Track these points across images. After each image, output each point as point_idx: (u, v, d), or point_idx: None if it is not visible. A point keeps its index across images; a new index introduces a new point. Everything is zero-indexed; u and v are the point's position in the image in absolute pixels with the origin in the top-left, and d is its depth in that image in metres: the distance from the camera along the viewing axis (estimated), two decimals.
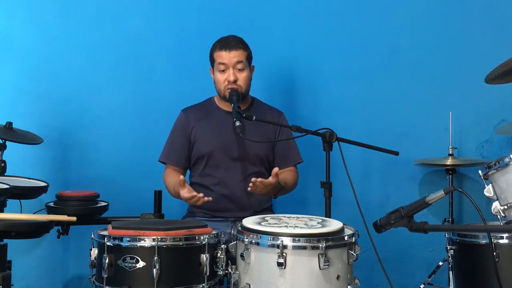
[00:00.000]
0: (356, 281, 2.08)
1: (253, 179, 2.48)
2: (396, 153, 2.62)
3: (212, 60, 2.80)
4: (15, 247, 2.40)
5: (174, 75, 3.37)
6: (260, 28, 3.33)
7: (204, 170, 2.82)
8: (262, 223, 2.11)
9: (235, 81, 2.72)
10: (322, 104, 3.36)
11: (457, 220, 3.14)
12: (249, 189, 2.53)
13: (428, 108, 3.30)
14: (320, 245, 1.93)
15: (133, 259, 2.03)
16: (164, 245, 2.04)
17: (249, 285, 2.00)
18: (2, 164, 2.70)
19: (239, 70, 2.73)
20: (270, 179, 2.50)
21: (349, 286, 2.01)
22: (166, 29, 3.38)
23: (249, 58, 2.79)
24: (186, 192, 2.50)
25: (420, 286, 2.67)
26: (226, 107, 2.82)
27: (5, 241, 2.28)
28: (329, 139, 2.44)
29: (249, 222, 2.14)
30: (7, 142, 2.75)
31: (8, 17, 3.33)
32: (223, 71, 2.74)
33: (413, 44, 3.34)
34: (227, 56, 2.72)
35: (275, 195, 2.71)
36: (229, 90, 2.71)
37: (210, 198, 2.52)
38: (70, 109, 3.31)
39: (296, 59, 3.39)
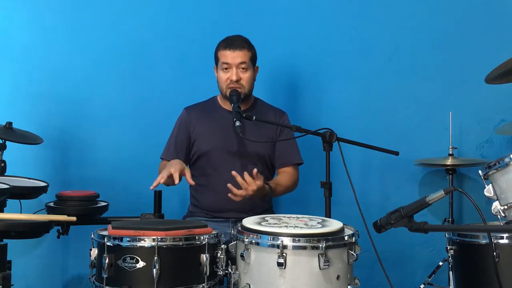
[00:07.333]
0: (356, 281, 2.07)
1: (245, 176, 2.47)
2: (396, 153, 2.62)
3: (216, 59, 2.80)
4: (15, 247, 2.40)
5: (174, 75, 3.37)
6: (262, 28, 3.33)
7: (205, 169, 2.82)
8: (262, 223, 2.11)
9: (237, 81, 2.72)
10: (322, 104, 3.37)
11: (457, 220, 3.14)
12: (234, 197, 2.49)
13: (428, 108, 3.30)
14: (320, 245, 1.93)
15: (133, 259, 2.02)
16: (164, 245, 2.04)
17: (249, 285, 2.00)
18: (2, 164, 2.70)
19: (242, 70, 2.74)
20: (256, 181, 2.48)
21: (349, 286, 2.01)
22: (166, 29, 3.38)
23: (253, 59, 2.79)
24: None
25: (420, 286, 2.67)
26: (229, 106, 2.80)
27: (5, 241, 2.28)
28: (329, 139, 2.44)
29: (249, 222, 2.14)
30: (7, 142, 2.75)
31: (8, 17, 3.33)
32: (226, 69, 2.74)
33: (413, 44, 3.34)
34: (231, 56, 2.72)
35: (263, 196, 2.63)
36: (230, 89, 2.71)
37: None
38: (70, 109, 3.31)
39: (297, 59, 3.39)
